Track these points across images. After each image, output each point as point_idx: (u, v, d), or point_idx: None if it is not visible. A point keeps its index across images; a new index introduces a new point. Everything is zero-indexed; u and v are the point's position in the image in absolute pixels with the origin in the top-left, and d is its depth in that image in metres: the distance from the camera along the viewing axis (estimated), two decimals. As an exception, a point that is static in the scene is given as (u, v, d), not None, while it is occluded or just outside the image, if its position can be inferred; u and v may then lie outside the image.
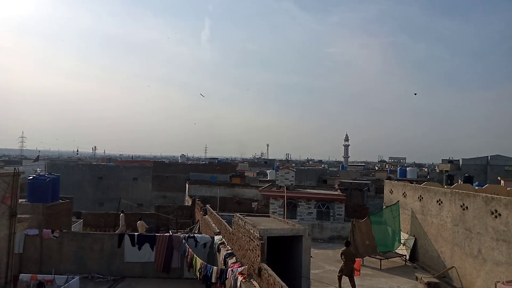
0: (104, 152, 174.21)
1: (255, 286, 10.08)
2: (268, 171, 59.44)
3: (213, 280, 12.44)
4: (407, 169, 53.08)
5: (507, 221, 11.59)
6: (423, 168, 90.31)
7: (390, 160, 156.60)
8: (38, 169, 23.24)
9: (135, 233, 17.29)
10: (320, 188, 33.80)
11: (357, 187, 33.34)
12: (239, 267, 11.54)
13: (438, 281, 14.32)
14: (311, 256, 12.10)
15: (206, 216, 20.89)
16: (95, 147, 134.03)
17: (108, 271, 15.93)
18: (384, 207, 21.07)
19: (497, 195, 13.87)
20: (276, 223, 13.10)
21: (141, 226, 22.41)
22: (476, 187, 22.34)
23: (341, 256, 13.48)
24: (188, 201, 33.80)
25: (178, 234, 18.57)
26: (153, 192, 49.81)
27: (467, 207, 13.72)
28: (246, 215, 14.47)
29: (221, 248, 14.56)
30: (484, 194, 13.36)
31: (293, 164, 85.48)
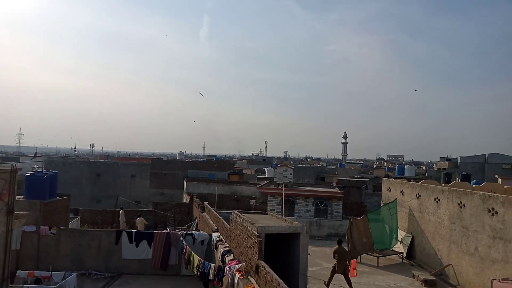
0: (102, 149, 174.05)
1: (252, 283, 10.09)
2: (266, 169, 59.46)
3: (211, 277, 12.45)
4: (405, 167, 53.18)
5: (504, 219, 11.63)
6: (421, 166, 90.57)
7: (388, 158, 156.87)
8: (35, 166, 23.14)
9: (133, 230, 17.28)
10: (318, 185, 33.83)
11: (355, 184, 33.36)
12: (236, 264, 11.55)
13: (434, 278, 14.38)
14: (309, 254, 12.12)
15: (204, 213, 20.89)
16: (93, 144, 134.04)
17: (105, 268, 15.93)
18: (382, 205, 21.12)
19: (495, 193, 13.91)
20: (274, 221, 13.10)
21: (140, 222, 22.40)
22: (474, 185, 22.40)
23: (334, 255, 13.54)
24: (186, 199, 33.79)
25: (176, 231, 18.57)
26: (151, 189, 49.72)
27: (464, 205, 13.76)
28: (244, 213, 14.47)
29: (219, 245, 14.57)
30: (481, 192, 13.39)
31: (291, 162, 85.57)
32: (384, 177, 32.98)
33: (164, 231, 17.99)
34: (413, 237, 17.77)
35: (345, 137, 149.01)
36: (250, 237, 11.23)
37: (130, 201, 33.91)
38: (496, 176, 37.95)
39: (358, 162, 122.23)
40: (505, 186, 20.60)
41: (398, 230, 19.01)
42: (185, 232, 16.87)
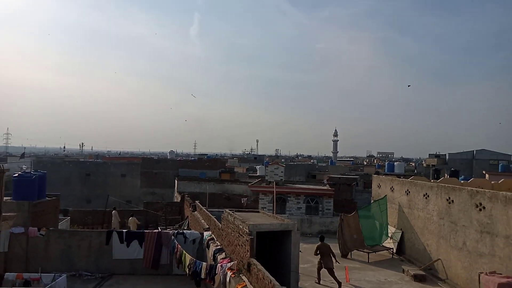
0: (91, 149, 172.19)
1: (244, 281, 10.12)
2: (257, 167, 59.50)
3: (203, 276, 12.44)
4: (395, 164, 53.77)
5: (491, 213, 11.83)
6: (410, 163, 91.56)
7: (378, 155, 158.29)
8: (23, 166, 22.83)
9: (123, 230, 17.16)
10: (309, 183, 33.98)
11: (346, 182, 33.62)
12: (228, 262, 11.57)
13: (424, 273, 14.57)
14: (300, 251, 12.19)
15: (195, 212, 20.84)
16: (82, 143, 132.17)
17: (96, 269, 15.80)
18: (372, 202, 21.30)
19: (482, 188, 14.14)
20: (265, 218, 13.14)
21: (132, 222, 22.28)
22: (462, 181, 22.74)
23: (316, 251, 13.67)
24: (177, 198, 33.65)
25: (167, 230, 18.50)
26: (141, 188, 49.41)
27: (452, 201, 13.96)
28: (236, 211, 14.50)
29: (211, 244, 14.56)
30: (469, 188, 13.60)
31: (282, 160, 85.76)
32: (374, 174, 33.28)
33: (155, 230, 17.91)
34: (402, 233, 17.98)
35: (335, 134, 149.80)
36: (241, 235, 11.25)
37: (120, 201, 33.63)
38: (484, 172, 38.56)
39: (348, 159, 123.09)
40: (492, 182, 20.97)
41: (388, 226, 19.21)
42: (176, 231, 16.81)
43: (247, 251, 10.47)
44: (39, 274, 13.02)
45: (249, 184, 29.39)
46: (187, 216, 23.41)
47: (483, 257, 12.05)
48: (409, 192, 17.58)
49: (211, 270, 12.10)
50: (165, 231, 17.67)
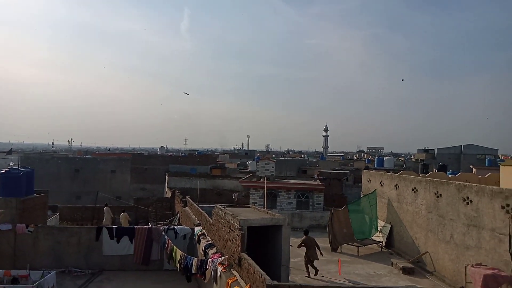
0: (80, 145, 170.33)
1: (235, 276, 10.15)
2: (248, 162, 59.52)
3: (194, 271, 12.46)
4: (384, 158, 54.32)
5: (478, 207, 12.04)
6: (399, 158, 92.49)
7: (368, 150, 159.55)
8: (11, 162, 22.47)
9: (114, 226, 17.07)
10: (300, 178, 34.13)
11: (336, 177, 33.84)
12: (219, 257, 11.59)
13: (412, 266, 14.80)
14: (291, 245, 12.27)
15: (186, 207, 20.80)
16: (71, 139, 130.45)
17: (86, 265, 15.70)
18: (362, 196, 21.51)
19: (469, 182, 14.38)
20: (256, 213, 13.18)
21: (124, 218, 22.15)
22: (450, 175, 23.11)
23: (300, 244, 13.90)
24: (167, 193, 33.52)
25: (158, 226, 18.44)
26: (131, 184, 49.08)
27: (440, 195, 14.17)
28: (227, 206, 14.51)
29: (201, 239, 14.56)
30: (457, 182, 13.81)
31: (273, 155, 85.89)
32: (364, 169, 33.56)
33: (145, 226, 17.84)
34: (391, 226, 18.20)
35: (326, 130, 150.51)
36: (232, 230, 11.28)
37: (110, 197, 33.38)
38: (471, 166, 39.21)
39: (339, 154, 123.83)
40: (479, 176, 21.35)
41: (378, 220, 19.43)
42: (167, 227, 16.78)
43: (238, 246, 10.50)
44: (27, 271, 12.89)
45: (240, 180, 29.41)
46: (178, 212, 23.35)
47: (470, 249, 12.28)
48: (398, 186, 17.78)
49: (202, 265, 12.12)
50: (155, 226, 17.61)
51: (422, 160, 57.18)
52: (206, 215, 15.74)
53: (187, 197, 22.30)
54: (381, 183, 19.79)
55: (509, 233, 10.59)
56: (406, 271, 14.35)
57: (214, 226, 13.75)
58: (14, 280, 12.52)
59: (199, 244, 14.75)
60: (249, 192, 25.77)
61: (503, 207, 10.95)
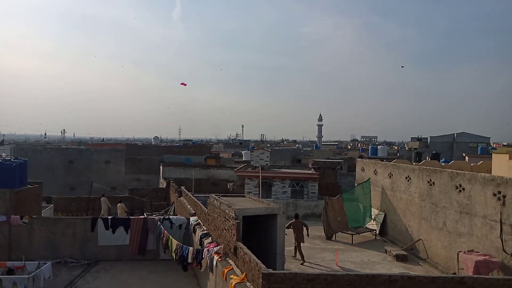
0: (73, 135, 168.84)
1: (231, 265, 10.23)
2: (243, 152, 59.53)
3: (189, 260, 12.53)
4: (378, 147, 54.56)
5: (470, 195, 12.20)
6: (393, 146, 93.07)
7: (362, 139, 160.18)
8: (3, 153, 22.22)
9: (109, 217, 17.05)
10: (294, 167, 34.24)
11: (330, 166, 33.95)
12: (215, 246, 11.66)
13: (405, 253, 15.02)
14: (286, 234, 12.37)
15: (181, 198, 20.82)
16: (64, 130, 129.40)
17: (81, 256, 15.72)
18: (356, 185, 21.67)
19: (462, 170, 14.54)
20: (251, 203, 13.23)
21: (120, 208, 22.16)
22: (443, 164, 23.31)
23: (288, 226, 14.23)
24: (162, 184, 33.49)
25: (153, 216, 18.46)
26: (126, 175, 48.92)
27: (434, 183, 14.32)
28: (222, 196, 14.54)
29: (197, 229, 14.62)
30: (449, 170, 13.96)
31: (268, 145, 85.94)
32: (358, 157, 33.75)
33: (141, 216, 17.85)
34: (385, 214, 18.41)
35: (320, 119, 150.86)
36: (227, 219, 11.33)
37: (105, 188, 33.28)
38: (464, 154, 39.57)
39: (333, 143, 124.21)
40: (472, 164, 21.56)
41: (372, 208, 19.62)
42: (162, 217, 16.80)
43: (234, 235, 10.56)
44: (23, 262, 12.88)
45: (235, 169, 29.44)
46: (173, 202, 23.38)
47: (462, 236, 12.47)
48: (392, 175, 17.93)
49: (198, 254, 12.19)
50: (151, 217, 17.63)
51: (415, 149, 57.61)
52: (201, 205, 15.78)
53: (182, 187, 22.30)
54: (375, 172, 19.93)
55: (501, 220, 10.77)
56: (399, 258, 14.56)
57: (210, 215, 13.80)
58: (10, 271, 12.51)
59: (194, 234, 14.81)
60: (244, 182, 25.84)
61: (494, 194, 11.10)
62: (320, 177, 26.32)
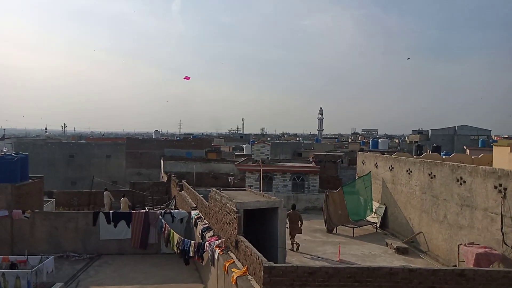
0: (74, 130, 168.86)
1: (232, 258, 10.28)
2: (244, 146, 59.48)
3: (191, 254, 12.60)
4: (379, 140, 54.48)
5: (471, 187, 12.20)
6: (394, 139, 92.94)
7: (362, 132, 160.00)
8: (4, 148, 22.24)
9: (110, 211, 17.11)
10: (295, 161, 34.24)
11: (331, 159, 33.94)
12: (216, 240, 11.70)
13: (406, 246, 15.07)
14: (287, 227, 12.43)
15: (182, 191, 20.87)
16: (64, 124, 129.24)
17: (83, 250, 15.81)
18: (356, 178, 21.68)
19: (463, 163, 14.53)
20: (252, 196, 13.26)
21: (124, 202, 22.24)
22: (444, 156, 23.30)
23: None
24: (163, 178, 33.53)
25: (155, 210, 18.52)
26: (127, 169, 48.98)
27: (434, 176, 14.32)
28: (223, 190, 14.57)
29: (198, 223, 14.67)
30: (450, 163, 13.95)
31: (268, 138, 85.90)
32: (358, 151, 33.72)
33: (142, 210, 17.90)
34: (386, 207, 18.44)
35: (321, 112, 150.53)
36: (229, 213, 11.35)
37: (106, 182, 33.35)
38: (464, 147, 39.50)
39: (333, 137, 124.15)
40: (473, 157, 21.54)
41: (372, 201, 19.65)
42: (163, 211, 16.86)
43: (235, 228, 10.59)
44: (25, 256, 12.96)
45: (236, 163, 29.45)
46: (174, 196, 23.43)
47: (463, 229, 12.50)
48: (393, 168, 17.92)
49: (200, 248, 12.24)
50: (152, 211, 17.69)
51: (416, 142, 57.50)
52: (202, 198, 15.82)
53: (183, 181, 22.34)
54: (376, 165, 19.93)
55: (501, 212, 10.78)
56: (400, 251, 14.61)
57: (211, 209, 13.83)
58: (13, 266, 12.60)
59: (196, 228, 14.86)
60: (245, 176, 25.86)
61: (495, 187, 11.10)
62: (320, 170, 26.32)
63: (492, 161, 18.90)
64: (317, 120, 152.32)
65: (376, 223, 18.64)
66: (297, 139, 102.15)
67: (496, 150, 18.98)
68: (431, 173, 14.51)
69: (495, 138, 51.99)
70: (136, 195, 25.99)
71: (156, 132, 76.52)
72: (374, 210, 19.34)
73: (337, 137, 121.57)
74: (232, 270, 9.35)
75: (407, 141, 66.35)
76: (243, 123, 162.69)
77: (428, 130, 63.00)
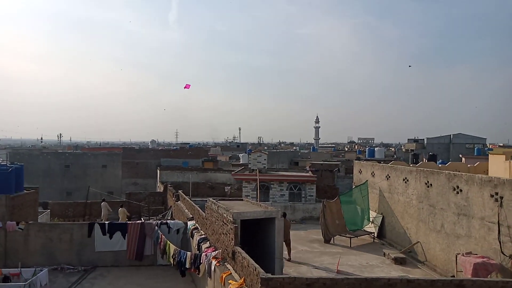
0: (70, 140, 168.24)
1: (229, 270, 10.18)
2: (240, 155, 59.49)
3: (187, 265, 12.46)
4: (375, 149, 54.74)
5: (468, 196, 12.21)
6: (390, 148, 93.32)
7: (359, 141, 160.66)
8: (-2, 159, 22.10)
9: (106, 222, 16.96)
10: (292, 170, 34.23)
11: (328, 168, 34.02)
12: (213, 251, 11.60)
13: (404, 256, 14.99)
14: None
15: (179, 202, 20.74)
16: (60, 134, 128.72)
17: (78, 262, 15.61)
18: (353, 187, 21.65)
19: (459, 172, 14.55)
20: (249, 206, 13.19)
21: (122, 213, 22.08)
22: (440, 165, 23.39)
23: None
24: (160, 188, 33.38)
25: (151, 221, 18.38)
26: (123, 179, 48.76)
27: (431, 184, 14.32)
28: (219, 200, 14.49)
29: (195, 233, 14.56)
30: (446, 172, 13.96)
31: (265, 147, 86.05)
32: (355, 159, 33.81)
33: (138, 221, 17.76)
34: (383, 217, 18.39)
35: (317, 121, 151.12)
36: (225, 223, 11.27)
37: (102, 192, 33.14)
38: (460, 155, 39.74)
39: (330, 146, 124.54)
40: (468, 165, 21.63)
41: (370, 210, 19.60)
42: (160, 222, 16.73)
43: (232, 239, 10.51)
44: (19, 269, 12.77)
45: (232, 173, 29.37)
46: (171, 206, 23.29)
47: (460, 238, 12.47)
48: (390, 177, 17.93)
49: (196, 259, 12.13)
50: (148, 221, 17.55)
51: (412, 150, 57.75)
52: (199, 209, 15.72)
53: (180, 191, 22.24)
54: (373, 174, 19.94)
55: (498, 221, 10.77)
56: (398, 261, 14.53)
57: (207, 220, 13.74)
58: (6, 279, 12.40)
59: (192, 239, 14.74)
60: (242, 185, 25.77)
61: (492, 196, 11.11)
62: (317, 179, 26.31)
63: (488, 170, 18.98)
64: (314, 129, 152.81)
65: (374, 232, 18.56)
66: (294, 148, 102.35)
67: (491, 158, 19.08)
68: (428, 182, 14.52)
69: (490, 146, 52.33)
70: (132, 205, 25.81)
71: (153, 141, 76.59)
72: (371, 219, 19.28)
73: (334, 146, 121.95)
74: (229, 281, 9.24)
75: (403, 150, 66.66)
76: (239, 132, 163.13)
77: (424, 139, 63.43)
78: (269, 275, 7.82)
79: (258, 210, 12.21)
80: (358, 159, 42.10)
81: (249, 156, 30.43)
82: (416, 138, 67.78)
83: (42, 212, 21.48)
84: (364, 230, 18.83)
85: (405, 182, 16.32)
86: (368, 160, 39.95)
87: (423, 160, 37.77)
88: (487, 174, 17.75)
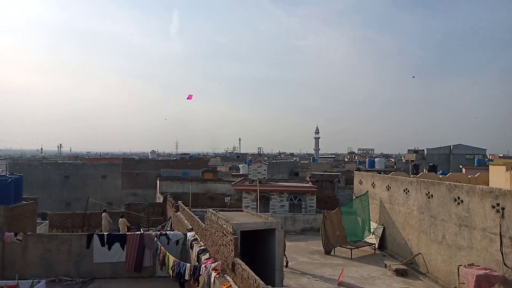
0: (70, 150, 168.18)
1: (229, 282, 10.07)
2: (240, 165, 59.40)
3: (187, 277, 12.33)
4: (375, 160, 54.60)
5: (469, 207, 12.15)
6: (390, 159, 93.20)
7: (359, 152, 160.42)
8: (-2, 169, 22.08)
9: (105, 233, 16.84)
10: (292, 180, 34.14)
11: (328, 178, 33.92)
12: (212, 263, 11.49)
13: (405, 267, 14.85)
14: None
15: (178, 212, 20.64)
16: (60, 144, 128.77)
17: (76, 273, 15.45)
18: (354, 198, 21.57)
19: (459, 182, 14.50)
20: (249, 217, 13.12)
21: (123, 223, 21.94)
22: (440, 176, 23.29)
23: None
24: (159, 198, 33.27)
25: (150, 232, 18.25)
26: (123, 190, 48.59)
27: (432, 195, 14.27)
28: (219, 210, 14.42)
29: (194, 245, 14.44)
30: (447, 182, 13.91)
31: (265, 158, 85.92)
32: (355, 170, 33.71)
33: (137, 232, 17.63)
34: (384, 228, 18.27)
35: (317, 132, 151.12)
36: (225, 234, 11.19)
37: (101, 203, 33.01)
38: (461, 166, 39.63)
39: (330, 156, 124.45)
40: (469, 176, 21.55)
41: (370, 221, 19.49)
42: (159, 233, 16.60)
43: (231, 250, 10.42)
44: (16, 281, 12.63)
45: (232, 183, 29.30)
46: (170, 217, 23.17)
47: (462, 249, 12.37)
48: (390, 187, 17.87)
49: (195, 271, 12.00)
50: (147, 232, 17.42)
51: (412, 161, 57.72)
52: (198, 220, 15.63)
53: (179, 201, 22.15)
54: (373, 185, 19.87)
55: (500, 232, 10.70)
56: (399, 273, 14.39)
57: (207, 231, 13.64)
58: (3, 291, 12.26)
59: (192, 250, 14.62)
60: (242, 196, 25.68)
61: (493, 207, 11.06)
62: (318, 190, 26.22)
63: (488, 180, 18.90)
64: (314, 139, 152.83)
65: (375, 244, 18.42)
66: (294, 158, 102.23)
67: (492, 169, 19.01)
68: (428, 192, 14.47)
69: (490, 157, 52.25)
70: (131, 216, 25.67)
71: (153, 152, 76.46)
72: (372, 230, 19.15)
73: (334, 156, 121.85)
74: (229, 294, 9.13)
75: (403, 160, 66.61)
76: (239, 143, 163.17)
77: (424, 149, 63.37)
78: (270, 287, 7.73)
79: (258, 221, 12.14)
80: (358, 169, 42.01)
81: (249, 166, 30.38)
82: (416, 148, 67.75)
83: (40, 223, 21.34)
84: (365, 241, 18.69)
85: (406, 193, 16.26)
86: (368, 170, 39.84)
87: (423, 171, 37.67)
88: (488, 185, 17.68)
